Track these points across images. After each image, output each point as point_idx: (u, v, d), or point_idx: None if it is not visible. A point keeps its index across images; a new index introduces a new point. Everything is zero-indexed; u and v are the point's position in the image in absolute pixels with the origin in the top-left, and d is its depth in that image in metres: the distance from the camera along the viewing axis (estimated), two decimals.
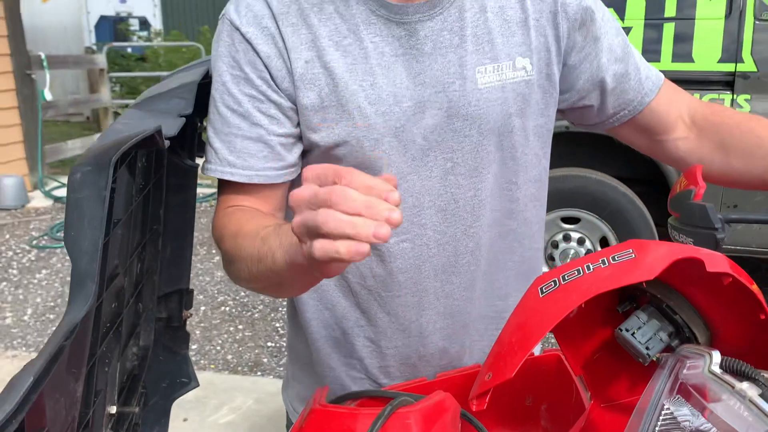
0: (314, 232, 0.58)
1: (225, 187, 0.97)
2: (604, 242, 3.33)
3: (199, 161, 1.03)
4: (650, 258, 0.69)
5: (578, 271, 0.73)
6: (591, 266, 0.72)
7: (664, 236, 0.96)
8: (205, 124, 1.03)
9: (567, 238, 3.37)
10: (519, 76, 0.96)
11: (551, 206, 3.32)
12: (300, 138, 0.97)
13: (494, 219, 1.01)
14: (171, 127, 0.76)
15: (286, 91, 0.93)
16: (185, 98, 0.83)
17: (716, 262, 0.66)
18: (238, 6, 0.93)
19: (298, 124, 0.96)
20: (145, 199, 0.91)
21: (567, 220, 3.37)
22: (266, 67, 0.91)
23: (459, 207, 0.98)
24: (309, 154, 0.99)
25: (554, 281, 0.74)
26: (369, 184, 0.58)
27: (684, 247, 0.70)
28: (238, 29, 0.91)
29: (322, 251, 0.57)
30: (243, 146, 0.93)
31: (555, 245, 3.39)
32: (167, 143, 0.73)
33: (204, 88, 0.96)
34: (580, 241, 3.35)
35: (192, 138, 1.03)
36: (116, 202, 0.74)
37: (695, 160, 1.02)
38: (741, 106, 3.02)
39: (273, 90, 0.92)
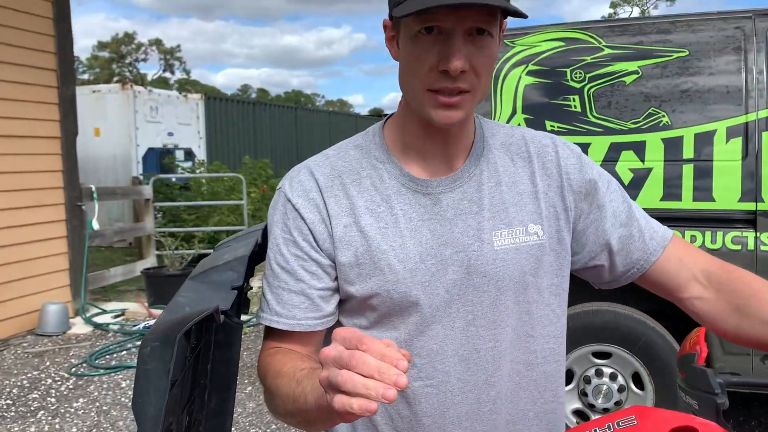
0: (336, 388, 0.71)
1: (271, 331, 1.10)
2: (636, 378, 3.31)
3: (244, 317, 1.15)
4: (650, 425, 0.76)
5: None
6: (598, 431, 0.80)
7: None
8: (250, 284, 1.17)
9: (599, 374, 3.36)
10: (532, 240, 1.09)
11: (583, 341, 3.36)
12: (337, 290, 1.10)
13: (515, 370, 1.10)
14: (226, 300, 0.87)
15: (326, 251, 1.07)
16: (238, 271, 0.95)
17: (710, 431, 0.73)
18: (292, 181, 1.10)
19: (336, 278, 1.09)
20: (196, 357, 1.01)
21: (598, 354, 3.37)
22: (311, 231, 1.07)
23: (480, 357, 1.07)
24: (346, 302, 1.11)
25: None
26: (383, 352, 0.71)
27: (681, 416, 0.77)
28: (290, 201, 1.08)
29: (339, 404, 0.71)
30: (288, 298, 1.07)
31: (587, 380, 3.37)
32: (222, 317, 0.84)
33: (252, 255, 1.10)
34: (613, 377, 3.34)
35: (239, 298, 1.15)
36: (175, 366, 0.84)
37: (710, 319, 1.09)
38: (765, 243, 3.08)
39: (315, 250, 1.07)
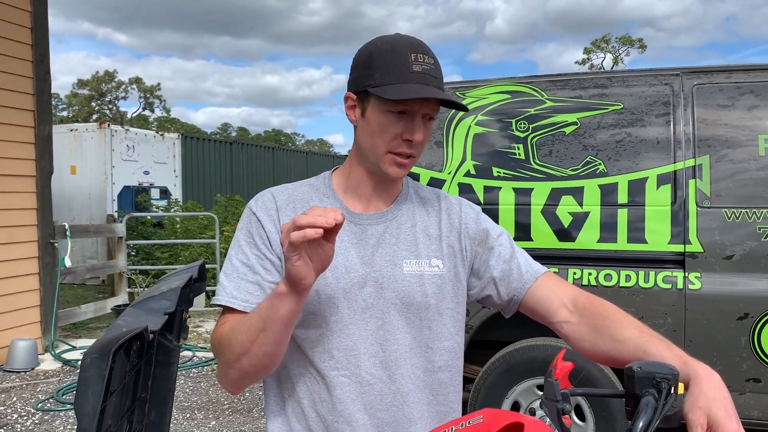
0: (293, 229, 1.05)
1: (227, 311, 1.32)
2: (577, 409, 3.50)
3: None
4: (490, 421, 0.96)
5: None
6: (453, 428, 0.99)
7: None
8: (189, 314, 1.36)
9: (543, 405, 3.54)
10: (433, 271, 1.37)
11: (528, 374, 3.55)
12: None
13: (415, 374, 1.34)
14: (157, 323, 1.06)
15: (278, 254, 1.34)
16: (170, 300, 1.15)
17: (535, 427, 0.93)
18: (257, 201, 1.40)
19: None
20: (137, 373, 1.19)
21: (543, 387, 3.56)
22: (268, 238, 1.34)
23: (386, 356, 1.32)
24: None
25: None
26: (326, 208, 1.07)
27: (516, 415, 0.96)
28: (254, 214, 1.37)
29: (297, 236, 1.04)
30: (245, 287, 1.31)
31: (532, 412, 3.55)
32: (152, 336, 1.03)
33: (189, 288, 1.29)
34: None
35: (179, 324, 1.34)
36: (114, 377, 1.02)
37: (574, 339, 1.34)
38: (693, 283, 3.32)
39: (270, 252, 1.34)
